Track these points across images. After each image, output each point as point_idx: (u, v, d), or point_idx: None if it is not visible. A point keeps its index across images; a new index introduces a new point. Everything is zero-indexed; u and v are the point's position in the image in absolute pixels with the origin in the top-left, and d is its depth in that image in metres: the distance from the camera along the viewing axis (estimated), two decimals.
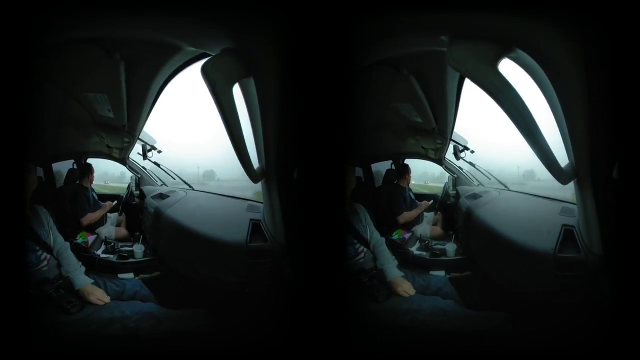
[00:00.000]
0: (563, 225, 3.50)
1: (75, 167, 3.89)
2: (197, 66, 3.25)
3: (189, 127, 3.92)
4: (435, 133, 3.94)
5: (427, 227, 3.90)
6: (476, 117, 3.82)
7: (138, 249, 3.78)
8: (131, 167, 4.05)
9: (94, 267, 3.54)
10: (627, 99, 2.85)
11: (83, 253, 3.59)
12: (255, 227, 3.59)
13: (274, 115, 3.22)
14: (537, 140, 3.02)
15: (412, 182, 3.93)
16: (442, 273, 3.69)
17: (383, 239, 3.63)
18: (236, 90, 3.25)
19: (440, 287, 3.56)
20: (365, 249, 3.56)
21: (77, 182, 3.86)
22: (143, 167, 4.13)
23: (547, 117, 3.12)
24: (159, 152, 4.06)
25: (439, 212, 3.97)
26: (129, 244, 3.83)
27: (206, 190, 4.27)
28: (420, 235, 3.86)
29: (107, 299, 3.31)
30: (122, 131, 3.88)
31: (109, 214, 3.89)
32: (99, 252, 3.75)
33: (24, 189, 3.07)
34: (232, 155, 3.32)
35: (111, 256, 3.74)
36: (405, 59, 3.66)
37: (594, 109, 2.98)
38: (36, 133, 3.32)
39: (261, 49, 3.11)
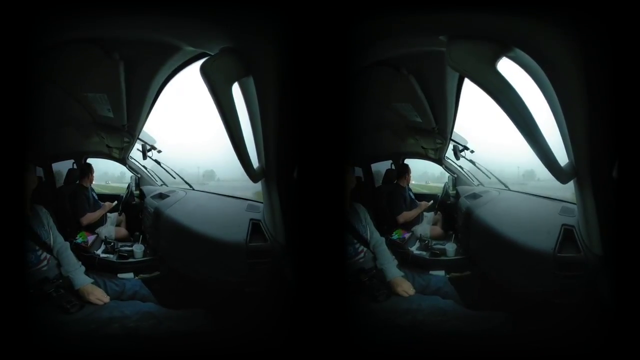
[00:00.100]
0: (563, 225, 3.50)
1: (75, 167, 3.89)
2: (196, 66, 3.25)
3: (188, 127, 3.92)
4: (435, 133, 3.94)
5: (427, 227, 3.90)
6: (476, 117, 3.82)
7: (138, 248, 3.78)
8: (131, 167, 4.05)
9: (94, 266, 3.54)
10: (626, 99, 2.85)
11: (83, 253, 3.59)
12: (255, 227, 3.59)
13: (274, 115, 3.22)
14: (536, 139, 3.02)
15: (413, 182, 3.93)
16: (441, 273, 3.69)
17: (383, 238, 3.63)
18: (236, 90, 3.25)
19: (440, 286, 3.56)
20: (365, 249, 3.56)
21: (77, 182, 3.86)
22: (144, 167, 4.13)
23: (547, 116, 3.12)
24: (159, 152, 4.07)
25: (438, 212, 3.97)
26: (129, 243, 3.83)
27: (206, 190, 4.26)
28: (420, 235, 3.86)
29: (106, 298, 3.31)
30: (122, 131, 3.88)
31: (108, 214, 3.89)
32: (99, 252, 3.75)
33: (24, 189, 3.07)
34: (232, 155, 3.32)
35: (111, 256, 3.74)
36: (405, 59, 3.66)
37: (594, 109, 2.98)
38: (36, 133, 3.32)
39: (261, 48, 3.11)
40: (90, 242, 3.74)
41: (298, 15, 2.96)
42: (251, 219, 3.61)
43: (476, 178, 4.17)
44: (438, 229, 3.92)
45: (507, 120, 3.03)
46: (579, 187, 3.22)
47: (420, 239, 3.85)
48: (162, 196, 4.07)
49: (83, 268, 3.39)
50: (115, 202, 3.94)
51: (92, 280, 3.36)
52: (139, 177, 4.09)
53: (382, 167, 3.94)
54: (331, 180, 3.07)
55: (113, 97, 3.74)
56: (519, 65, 3.10)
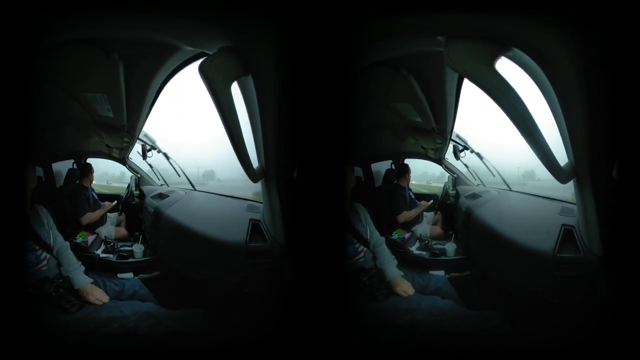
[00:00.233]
0: (563, 225, 3.50)
1: (75, 167, 3.89)
2: (196, 66, 3.25)
3: (188, 127, 3.92)
4: (435, 133, 3.94)
5: (426, 226, 3.90)
6: (476, 117, 3.82)
7: (138, 248, 3.78)
8: (131, 167, 4.05)
9: (94, 266, 3.54)
10: (626, 99, 2.85)
11: (83, 253, 3.60)
12: (255, 227, 3.59)
13: (273, 115, 3.22)
14: (536, 140, 3.02)
15: (413, 182, 3.93)
16: (441, 273, 3.69)
17: (383, 238, 3.63)
18: (235, 89, 3.25)
19: (439, 286, 3.56)
20: (365, 249, 3.56)
21: (77, 181, 3.87)
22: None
23: (547, 117, 3.12)
24: (159, 152, 4.07)
25: (438, 212, 3.97)
26: (129, 243, 3.83)
27: (206, 190, 4.26)
28: (420, 235, 3.86)
29: (106, 298, 3.31)
30: (122, 131, 3.88)
31: (108, 214, 3.89)
32: (99, 251, 3.75)
33: (23, 189, 3.07)
34: (232, 155, 3.32)
35: (111, 256, 3.74)
36: (404, 59, 3.66)
37: (594, 109, 2.98)
38: (36, 133, 3.33)
39: (260, 48, 3.11)
40: (90, 242, 3.74)
41: (298, 15, 2.96)
42: (251, 219, 3.62)
43: (478, 177, 4.16)
44: (438, 229, 3.92)
45: (507, 121, 3.03)
46: (579, 187, 3.22)
47: (420, 239, 3.85)
48: (162, 196, 4.07)
49: (83, 268, 3.40)
50: (115, 202, 3.94)
51: (91, 280, 3.36)
52: (138, 177, 4.09)
53: (382, 167, 3.94)
54: (331, 180, 3.06)
55: (113, 97, 3.74)
56: (519, 65, 3.10)
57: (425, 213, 3.91)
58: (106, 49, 3.53)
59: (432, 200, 3.95)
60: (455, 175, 4.08)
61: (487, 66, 2.95)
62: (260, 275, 3.52)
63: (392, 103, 3.87)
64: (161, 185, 4.25)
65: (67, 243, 3.46)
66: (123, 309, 3.27)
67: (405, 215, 3.85)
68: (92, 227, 3.81)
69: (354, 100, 3.15)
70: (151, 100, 3.78)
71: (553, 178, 3.18)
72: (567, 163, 3.16)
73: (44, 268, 3.29)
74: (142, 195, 4.07)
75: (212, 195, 4.19)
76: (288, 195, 3.30)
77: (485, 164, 4.12)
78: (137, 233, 3.88)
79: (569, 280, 3.41)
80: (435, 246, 3.82)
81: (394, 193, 3.89)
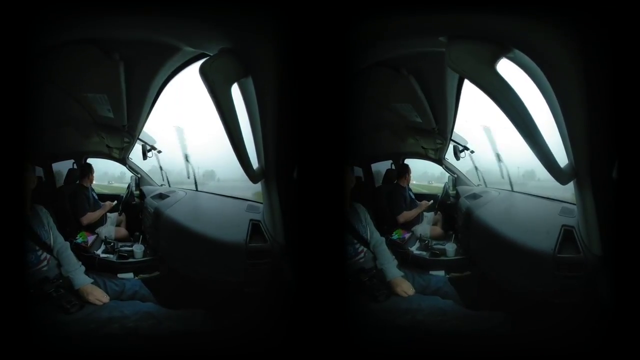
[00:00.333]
0: (563, 225, 3.50)
1: (75, 167, 3.89)
2: (196, 66, 3.25)
3: (189, 127, 3.92)
4: (435, 133, 3.94)
5: (427, 227, 3.89)
6: (476, 117, 3.82)
7: (138, 249, 3.78)
8: (131, 167, 4.05)
9: (94, 266, 3.54)
10: (626, 99, 2.85)
11: (83, 253, 3.59)
12: (254, 227, 3.59)
13: (273, 115, 3.22)
14: (536, 140, 3.03)
15: (415, 182, 3.93)
16: (441, 273, 3.69)
17: (383, 238, 3.63)
18: (235, 90, 3.25)
19: (439, 287, 3.57)
20: (365, 249, 3.56)
21: (77, 182, 3.87)
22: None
23: (547, 117, 3.12)
24: (159, 152, 4.06)
25: (439, 212, 3.97)
26: (129, 244, 3.83)
27: (206, 190, 4.26)
28: (420, 235, 3.86)
29: (106, 298, 3.32)
30: (122, 131, 3.88)
31: (109, 214, 3.89)
32: (99, 252, 3.75)
33: (23, 189, 3.07)
34: (232, 155, 3.32)
35: (111, 256, 3.74)
36: (405, 59, 3.66)
37: (593, 110, 2.98)
38: (36, 133, 3.33)
39: (260, 49, 3.11)
40: (90, 242, 3.74)
41: (298, 16, 2.96)
42: (251, 220, 3.62)
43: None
44: (438, 229, 3.92)
45: (507, 121, 3.03)
46: (579, 188, 3.22)
47: (420, 239, 3.85)
48: (162, 196, 4.07)
49: (83, 268, 3.40)
50: (115, 202, 3.94)
51: (92, 280, 3.36)
52: (139, 177, 4.09)
53: (382, 167, 3.94)
54: (331, 180, 3.07)
55: (113, 98, 3.74)
56: (519, 66, 3.10)
57: (425, 213, 3.91)
58: (107, 49, 3.53)
59: (432, 201, 3.95)
60: (455, 176, 4.08)
61: (487, 67, 2.95)
62: (260, 275, 3.52)
63: (392, 103, 3.87)
64: (161, 185, 4.25)
65: (68, 243, 3.46)
66: (123, 309, 3.27)
67: (406, 215, 3.85)
68: (92, 227, 3.81)
69: (354, 101, 3.15)
70: (152, 101, 3.78)
71: (553, 178, 3.18)
72: (567, 164, 3.16)
73: (44, 268, 3.29)
74: (142, 195, 4.07)
75: (212, 195, 4.19)
76: (288, 195, 3.30)
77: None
78: (138, 233, 3.88)
79: (569, 281, 3.41)
80: (435, 246, 3.82)
81: (394, 193, 3.89)
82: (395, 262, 3.58)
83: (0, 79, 2.83)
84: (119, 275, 3.60)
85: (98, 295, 3.31)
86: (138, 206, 4.01)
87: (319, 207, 3.04)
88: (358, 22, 2.97)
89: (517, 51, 2.98)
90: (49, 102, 3.55)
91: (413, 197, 3.90)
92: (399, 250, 3.70)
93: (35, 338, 2.95)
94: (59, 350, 3.05)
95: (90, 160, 3.92)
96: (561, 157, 3.15)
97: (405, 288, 3.49)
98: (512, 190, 4.14)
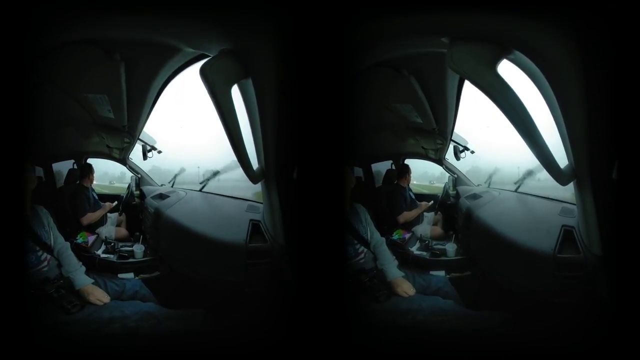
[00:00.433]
0: (563, 225, 3.51)
1: (75, 167, 3.90)
2: (196, 67, 3.26)
3: (189, 127, 3.92)
4: (435, 133, 3.94)
5: (427, 227, 3.90)
6: (476, 117, 3.82)
7: (138, 249, 3.78)
8: (131, 167, 4.05)
9: (94, 267, 3.54)
10: (626, 100, 2.85)
11: (83, 253, 3.59)
12: (254, 227, 3.59)
13: (273, 116, 3.22)
14: (536, 141, 3.03)
15: (415, 182, 3.93)
16: (442, 273, 3.69)
17: (383, 239, 3.63)
18: (235, 91, 3.25)
19: (440, 287, 3.57)
20: (365, 249, 3.56)
21: (78, 182, 3.87)
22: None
23: (547, 118, 3.12)
24: (159, 152, 4.06)
25: (439, 212, 3.97)
26: (129, 244, 3.83)
27: (206, 190, 4.26)
28: (421, 235, 3.86)
29: (107, 299, 3.32)
30: (122, 131, 3.88)
31: (109, 214, 3.89)
32: (99, 252, 3.75)
33: (23, 189, 3.07)
34: (233, 155, 3.32)
35: (111, 256, 3.74)
36: (405, 59, 3.66)
37: (593, 110, 2.98)
38: (36, 133, 3.33)
39: (260, 49, 3.11)
40: (90, 242, 3.74)
41: (298, 17, 2.97)
42: (251, 220, 3.62)
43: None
44: (438, 229, 3.92)
45: (507, 121, 3.03)
46: (579, 188, 3.23)
47: (421, 239, 3.85)
48: (162, 196, 4.07)
49: (83, 268, 3.40)
50: (116, 202, 3.94)
51: (92, 281, 3.37)
52: (139, 178, 4.09)
53: (382, 167, 3.94)
54: (331, 180, 3.07)
55: (113, 98, 3.75)
56: (518, 66, 3.10)
57: (425, 213, 3.91)
58: (108, 49, 3.53)
59: (432, 201, 3.95)
60: (456, 176, 4.08)
61: (487, 68, 2.95)
62: (260, 275, 3.52)
63: (392, 103, 3.87)
64: (161, 185, 4.26)
65: (68, 243, 3.46)
66: (124, 309, 3.27)
67: (406, 215, 3.85)
68: (92, 228, 3.81)
69: (354, 101, 3.15)
70: (152, 101, 3.79)
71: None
72: (567, 165, 3.16)
73: (45, 269, 3.29)
74: (142, 195, 4.07)
75: (212, 195, 4.19)
76: (288, 195, 3.31)
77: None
78: (138, 233, 3.88)
79: (569, 280, 3.41)
80: (435, 246, 3.82)
81: (395, 193, 3.89)
82: (396, 262, 3.58)
83: (0, 79, 2.83)
84: (120, 276, 3.60)
85: (99, 296, 3.31)
86: (138, 206, 4.01)
87: (319, 207, 3.04)
88: (358, 22, 2.97)
89: (517, 52, 2.98)
90: (50, 102, 3.55)
91: (413, 197, 3.90)
92: (399, 250, 3.71)
93: (36, 339, 2.95)
94: (61, 351, 3.05)
95: (90, 161, 3.93)
96: (561, 157, 3.15)
97: (406, 288, 3.50)
98: (514, 191, 4.15)
